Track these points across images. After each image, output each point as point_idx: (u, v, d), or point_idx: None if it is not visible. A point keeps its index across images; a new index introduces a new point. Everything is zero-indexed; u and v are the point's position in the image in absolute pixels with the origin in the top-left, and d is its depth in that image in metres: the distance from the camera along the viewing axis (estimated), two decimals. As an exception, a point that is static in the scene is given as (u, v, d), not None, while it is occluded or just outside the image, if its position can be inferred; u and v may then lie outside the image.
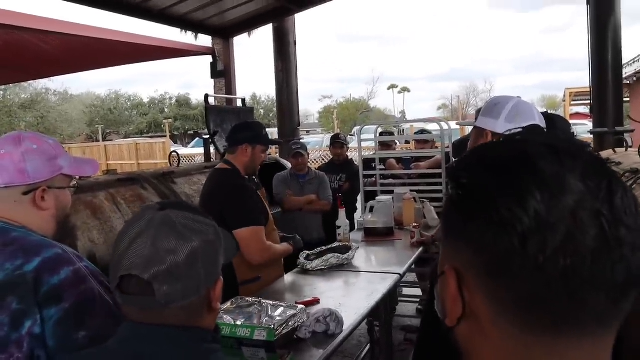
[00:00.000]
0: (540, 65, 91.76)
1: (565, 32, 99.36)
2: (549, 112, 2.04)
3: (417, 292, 4.55)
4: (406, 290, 4.50)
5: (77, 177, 1.33)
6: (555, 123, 2.02)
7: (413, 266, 3.24)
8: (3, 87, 26.50)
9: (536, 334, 0.41)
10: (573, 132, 2.69)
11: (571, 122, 4.14)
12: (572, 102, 15.98)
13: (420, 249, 3.14)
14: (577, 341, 0.41)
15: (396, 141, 6.47)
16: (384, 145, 4.80)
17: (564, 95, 16.01)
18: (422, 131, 5.14)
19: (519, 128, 1.58)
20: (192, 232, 0.85)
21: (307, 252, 2.79)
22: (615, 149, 2.88)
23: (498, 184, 0.42)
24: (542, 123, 1.62)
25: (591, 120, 4.36)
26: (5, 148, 1.15)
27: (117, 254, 0.84)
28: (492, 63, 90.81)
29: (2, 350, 1.00)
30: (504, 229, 0.40)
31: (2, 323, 1.00)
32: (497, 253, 0.41)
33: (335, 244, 2.94)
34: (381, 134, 4.90)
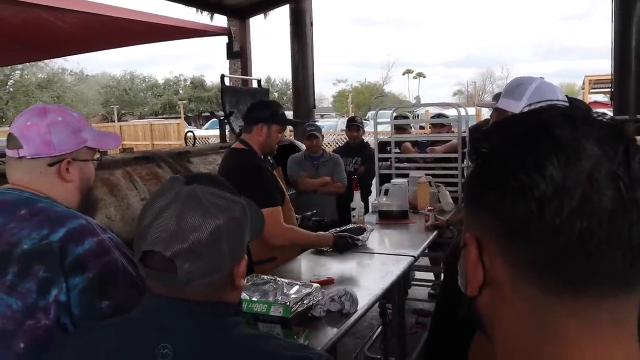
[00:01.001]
0: (559, 53, 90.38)
1: (585, 19, 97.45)
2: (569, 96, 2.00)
3: (430, 276, 4.56)
4: (419, 274, 4.51)
5: (100, 150, 1.35)
6: (575, 106, 1.99)
7: (426, 250, 3.24)
8: (20, 66, 26.76)
9: (555, 295, 0.42)
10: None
11: (591, 108, 4.06)
12: (592, 90, 15.70)
13: (435, 232, 3.13)
14: (598, 303, 0.41)
15: (411, 125, 6.42)
16: (399, 129, 4.77)
17: (583, 83, 15.74)
18: (439, 115, 5.10)
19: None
20: (217, 208, 0.84)
21: (322, 232, 2.78)
22: (637, 137, 2.83)
23: (516, 152, 0.43)
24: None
25: (611, 108, 4.29)
26: (32, 120, 1.16)
27: (142, 227, 0.84)
28: (510, 50, 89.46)
29: (31, 316, 1.03)
30: (522, 194, 0.41)
31: (30, 290, 1.03)
32: (515, 217, 0.42)
33: (350, 226, 2.92)
34: (396, 117, 4.87)
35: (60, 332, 1.04)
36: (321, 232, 2.67)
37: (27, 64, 24.77)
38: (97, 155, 1.31)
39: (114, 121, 26.32)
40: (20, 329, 1.02)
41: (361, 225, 2.92)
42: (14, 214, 1.09)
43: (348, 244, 2.59)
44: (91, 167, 1.28)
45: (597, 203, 0.39)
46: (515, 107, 1.63)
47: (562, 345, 0.42)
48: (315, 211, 2.81)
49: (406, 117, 5.48)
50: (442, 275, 4.11)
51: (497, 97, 2.88)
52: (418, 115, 15.91)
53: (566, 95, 1.78)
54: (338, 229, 2.82)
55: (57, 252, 1.04)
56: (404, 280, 2.94)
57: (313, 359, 0.84)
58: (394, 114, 4.84)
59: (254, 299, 1.69)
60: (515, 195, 0.42)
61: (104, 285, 1.07)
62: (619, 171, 0.40)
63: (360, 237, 2.70)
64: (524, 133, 0.44)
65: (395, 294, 2.54)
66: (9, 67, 25.19)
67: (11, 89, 28.61)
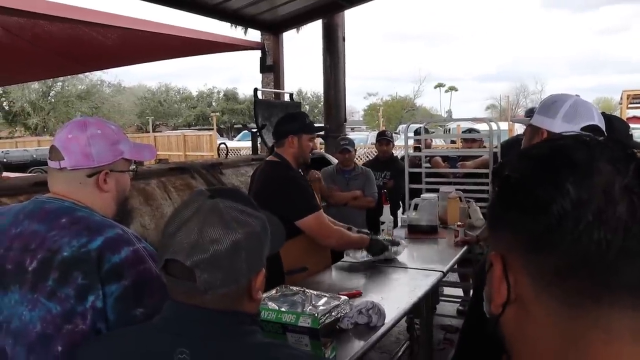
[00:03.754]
0: (595, 67, 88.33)
1: (623, 33, 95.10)
2: (606, 113, 1.96)
3: (459, 292, 4.49)
4: (447, 290, 4.45)
5: (135, 161, 1.40)
6: (613, 124, 1.96)
7: (455, 266, 3.21)
8: (61, 78, 27.75)
9: (577, 306, 0.44)
10: (631, 134, 2.59)
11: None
12: (630, 105, 15.26)
13: (464, 248, 3.11)
14: (619, 313, 0.43)
15: (433, 140, 6.40)
16: (419, 144, 4.78)
17: (621, 98, 15.32)
18: (471, 130, 5.06)
19: (576, 128, 1.54)
20: (238, 223, 0.87)
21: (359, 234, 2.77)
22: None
23: (535, 172, 0.48)
24: (602, 124, 1.56)
25: (650, 124, 4.18)
26: (73, 133, 1.21)
27: (165, 237, 0.88)
28: (545, 64, 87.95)
29: (69, 321, 1.06)
30: (542, 209, 0.45)
31: (69, 296, 1.06)
32: (536, 231, 0.46)
33: (387, 237, 2.91)
34: (416, 132, 4.87)
35: (94, 336, 1.07)
36: (359, 234, 2.71)
37: (68, 76, 25.71)
38: (133, 167, 1.34)
39: (149, 132, 26.92)
40: (58, 333, 1.06)
41: (397, 239, 2.91)
42: (55, 222, 1.13)
43: (382, 247, 2.66)
44: (127, 178, 1.32)
45: (612, 214, 0.43)
46: (550, 124, 1.62)
47: (585, 358, 0.44)
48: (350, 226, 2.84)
49: (427, 131, 5.43)
50: (472, 291, 4.06)
51: (530, 112, 2.86)
52: (449, 129, 15.77)
53: (603, 113, 1.75)
54: (375, 236, 2.82)
55: (94, 260, 1.07)
56: (433, 296, 2.92)
57: None
58: (414, 128, 4.82)
59: (283, 309, 1.71)
60: (536, 211, 0.46)
61: (139, 293, 1.10)
62: (631, 185, 0.43)
63: (394, 248, 2.72)
64: (541, 156, 0.49)
65: (423, 309, 2.53)
66: (52, 79, 26.16)
67: (53, 100, 29.70)
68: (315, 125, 2.83)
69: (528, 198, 0.47)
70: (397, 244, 2.79)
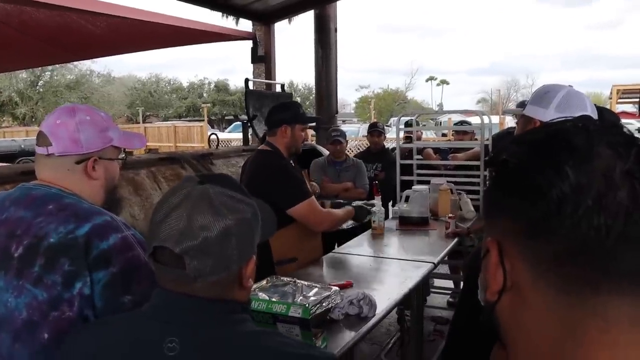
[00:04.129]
0: (586, 62, 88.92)
1: (614, 29, 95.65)
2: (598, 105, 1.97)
3: (449, 284, 4.52)
4: (438, 282, 4.47)
5: (124, 150, 1.38)
6: (604, 115, 1.96)
7: (446, 258, 3.22)
8: (50, 67, 27.48)
9: (576, 293, 0.43)
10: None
11: (618, 118, 3.98)
12: (619, 100, 15.39)
13: (455, 240, 3.11)
14: (618, 300, 0.42)
15: (424, 132, 6.46)
16: (409, 137, 4.81)
17: (611, 93, 15.44)
18: (462, 122, 5.06)
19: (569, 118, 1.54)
20: (228, 209, 0.85)
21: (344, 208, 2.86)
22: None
23: (534, 157, 0.46)
24: (595, 115, 1.56)
25: (639, 119, 4.20)
26: (61, 118, 1.19)
27: (154, 223, 0.86)
28: (536, 58, 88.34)
29: (55, 307, 1.05)
30: (540, 194, 0.44)
31: (56, 282, 1.05)
32: (534, 217, 0.44)
33: (358, 202, 2.95)
34: (407, 124, 4.87)
35: (82, 324, 1.06)
36: (343, 208, 2.79)
37: (57, 65, 25.42)
38: (122, 155, 1.33)
39: (139, 122, 26.75)
40: (45, 320, 1.05)
41: (370, 202, 3.03)
42: (42, 208, 1.12)
43: (366, 212, 2.83)
44: (116, 166, 1.30)
45: (613, 199, 0.41)
46: (543, 115, 1.61)
47: (581, 347, 0.43)
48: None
49: (418, 124, 5.45)
50: (462, 283, 4.08)
51: (521, 105, 2.86)
52: (440, 122, 15.79)
53: (595, 105, 1.76)
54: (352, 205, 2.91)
55: (82, 246, 1.06)
56: (423, 287, 2.92)
57: (318, 356, 0.85)
58: (403, 120, 4.84)
59: (274, 299, 1.70)
60: (534, 196, 0.44)
61: (127, 280, 1.09)
62: (633, 170, 0.42)
63: (372, 208, 2.90)
64: (540, 141, 0.47)
65: (414, 300, 2.53)
66: (40, 68, 25.85)
67: (41, 90, 29.36)
68: (308, 116, 2.85)
69: (526, 183, 0.46)
70: (373, 205, 2.97)
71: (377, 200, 3.24)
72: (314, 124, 5.28)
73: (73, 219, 1.10)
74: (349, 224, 2.88)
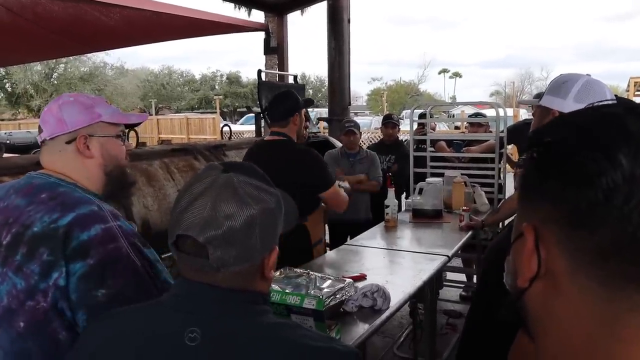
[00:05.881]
0: (602, 54, 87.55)
1: (631, 20, 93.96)
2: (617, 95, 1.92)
3: (462, 277, 4.49)
4: (450, 275, 4.45)
5: (127, 131, 1.36)
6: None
7: (459, 251, 3.20)
8: (64, 60, 27.66)
9: (618, 287, 0.40)
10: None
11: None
12: (637, 93, 15.13)
13: (469, 233, 3.08)
14: None
15: (437, 125, 6.42)
16: (421, 129, 4.77)
17: (628, 85, 15.18)
18: (477, 114, 5.01)
19: None
20: (252, 198, 0.84)
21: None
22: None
23: (584, 140, 0.42)
24: None
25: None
26: (48, 106, 1.23)
27: (177, 212, 0.84)
28: (551, 50, 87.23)
29: (31, 297, 1.04)
30: (588, 181, 0.41)
31: (34, 272, 1.04)
32: (579, 205, 0.41)
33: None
34: (420, 116, 4.83)
35: (57, 316, 1.05)
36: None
37: (71, 57, 25.61)
38: (121, 130, 1.30)
39: (152, 114, 26.88)
40: (21, 309, 1.04)
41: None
42: (36, 197, 1.12)
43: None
44: (116, 144, 1.27)
45: None
46: (560, 105, 1.58)
47: (619, 343, 0.41)
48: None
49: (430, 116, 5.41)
50: (476, 277, 4.05)
51: (538, 96, 2.82)
52: (454, 115, 15.66)
53: (615, 95, 1.71)
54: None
55: (61, 236, 1.04)
56: (437, 280, 2.91)
57: (340, 350, 0.83)
58: (417, 112, 4.80)
59: (287, 290, 1.70)
60: (581, 183, 0.41)
61: (103, 273, 1.06)
62: None
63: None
64: (590, 123, 0.44)
65: (427, 293, 2.51)
66: (54, 60, 26.05)
67: (55, 82, 29.60)
68: (304, 99, 2.92)
69: (572, 168, 0.42)
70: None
71: (391, 193, 3.22)
72: (313, 112, 5.28)
73: (59, 208, 1.09)
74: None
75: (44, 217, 1.07)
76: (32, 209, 1.10)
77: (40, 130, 1.22)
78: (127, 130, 1.35)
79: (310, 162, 2.52)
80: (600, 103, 0.47)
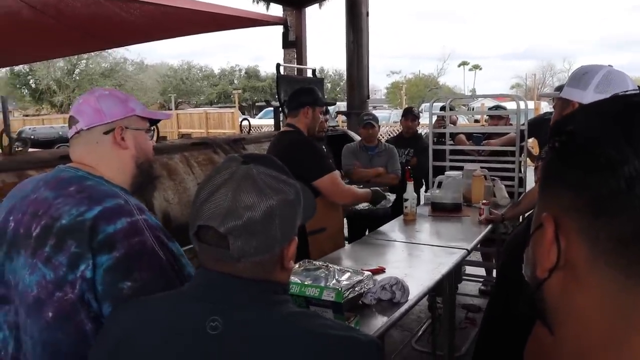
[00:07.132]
0: (626, 45, 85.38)
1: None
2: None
3: (481, 271, 4.46)
4: (469, 269, 4.42)
5: (154, 128, 1.39)
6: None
7: (479, 245, 3.17)
8: (85, 56, 28.05)
9: (638, 277, 0.40)
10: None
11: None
12: (663, 84, 14.77)
13: (489, 227, 3.06)
14: None
15: (457, 117, 6.38)
16: (440, 121, 4.75)
17: (654, 76, 14.81)
18: (497, 107, 4.95)
19: None
20: (272, 189, 0.85)
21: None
22: None
23: (607, 128, 0.42)
24: None
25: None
26: (83, 98, 1.27)
27: (198, 203, 0.86)
28: (573, 42, 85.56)
29: (59, 288, 1.06)
30: (610, 170, 0.40)
31: (62, 263, 1.06)
32: (601, 193, 0.41)
33: (377, 188, 3.00)
34: (441, 108, 4.80)
35: (84, 307, 1.07)
36: (363, 189, 2.91)
37: (92, 53, 25.97)
38: (151, 133, 1.35)
39: (171, 109, 27.13)
40: (50, 299, 1.06)
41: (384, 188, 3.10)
42: (64, 189, 1.14)
43: (381, 196, 2.90)
44: (146, 139, 1.31)
45: None
46: (581, 97, 1.56)
47: (638, 334, 0.40)
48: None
49: (452, 109, 5.37)
50: (495, 271, 4.01)
51: (559, 89, 2.78)
52: (473, 108, 15.48)
53: (638, 86, 1.68)
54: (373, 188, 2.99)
55: (88, 229, 1.07)
56: (456, 274, 2.89)
57: (361, 339, 0.84)
58: (438, 105, 4.78)
59: (306, 283, 1.71)
60: (603, 171, 0.41)
61: (129, 266, 1.08)
62: None
63: (389, 196, 2.97)
64: (614, 111, 0.44)
65: (447, 287, 2.50)
66: (76, 56, 26.46)
67: (77, 78, 30.10)
68: (326, 100, 3.06)
69: (595, 156, 0.42)
70: (389, 193, 3.04)
71: (410, 186, 3.21)
72: (332, 106, 5.31)
73: (87, 201, 1.11)
74: (364, 205, 3.02)
75: (72, 210, 1.10)
76: (60, 202, 1.12)
77: (72, 123, 1.24)
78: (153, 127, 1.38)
79: (299, 151, 2.56)
80: (624, 93, 0.46)
